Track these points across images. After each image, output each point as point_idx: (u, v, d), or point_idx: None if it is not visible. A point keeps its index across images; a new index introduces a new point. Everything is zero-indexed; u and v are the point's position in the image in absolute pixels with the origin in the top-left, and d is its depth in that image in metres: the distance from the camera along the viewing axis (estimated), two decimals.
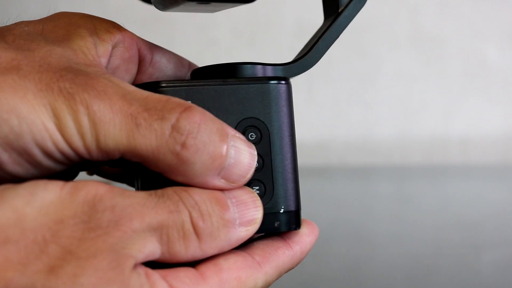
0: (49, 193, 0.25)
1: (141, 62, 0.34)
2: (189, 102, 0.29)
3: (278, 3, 0.98)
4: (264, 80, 0.31)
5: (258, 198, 0.30)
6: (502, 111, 1.01)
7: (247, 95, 0.31)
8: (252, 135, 0.31)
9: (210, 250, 0.28)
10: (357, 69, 1.00)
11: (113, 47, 0.32)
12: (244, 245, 0.30)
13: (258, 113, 0.31)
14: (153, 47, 0.35)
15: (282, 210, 0.31)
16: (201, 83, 0.31)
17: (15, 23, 0.31)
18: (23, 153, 0.27)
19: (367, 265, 0.63)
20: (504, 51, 1.01)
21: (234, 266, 0.28)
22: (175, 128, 0.27)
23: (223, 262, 0.28)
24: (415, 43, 1.01)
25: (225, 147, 0.28)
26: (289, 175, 0.31)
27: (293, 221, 0.31)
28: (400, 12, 1.00)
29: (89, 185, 0.26)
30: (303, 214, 0.32)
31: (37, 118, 0.26)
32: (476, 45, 1.01)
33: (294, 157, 0.32)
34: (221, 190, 0.29)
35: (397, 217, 0.80)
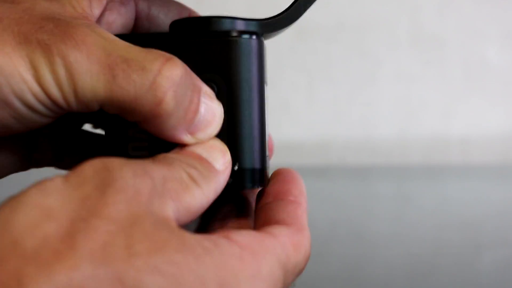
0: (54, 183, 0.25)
1: (137, 16, 0.34)
2: (170, 54, 0.28)
3: (278, 3, 0.98)
4: (231, 35, 0.31)
5: (222, 144, 0.30)
6: (502, 111, 1.01)
7: (213, 50, 0.30)
8: (216, 90, 0.31)
9: (211, 194, 0.28)
10: (357, 69, 1.00)
11: (109, 1, 0.32)
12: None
13: (221, 68, 0.30)
14: (153, 1, 0.34)
15: (240, 167, 0.30)
16: (165, 36, 0.31)
17: None
18: (3, 106, 0.27)
19: (367, 265, 0.63)
20: (504, 51, 1.01)
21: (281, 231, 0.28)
22: (156, 79, 0.27)
23: (273, 230, 0.28)
24: (415, 43, 1.00)
25: (198, 103, 0.29)
26: (252, 133, 0.31)
27: (257, 179, 0.31)
28: (400, 12, 1.00)
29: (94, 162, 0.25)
30: None
31: (14, 70, 0.27)
32: (476, 45, 1.01)
33: (260, 116, 0.31)
34: (185, 144, 0.29)
35: (397, 217, 0.80)
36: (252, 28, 0.32)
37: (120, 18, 0.33)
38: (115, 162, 0.25)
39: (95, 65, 0.27)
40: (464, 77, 1.01)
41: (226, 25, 0.31)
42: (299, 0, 0.33)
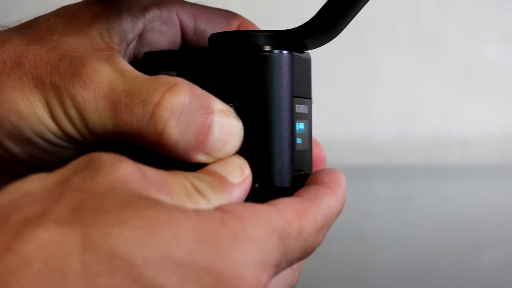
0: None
1: (183, 31, 0.34)
2: (178, 78, 0.28)
3: (278, 3, 0.98)
4: (263, 50, 0.30)
5: (241, 159, 0.29)
6: (502, 111, 1.01)
7: (240, 65, 0.30)
8: (236, 106, 0.30)
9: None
10: (357, 69, 1.00)
11: (147, 23, 0.32)
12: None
13: (250, 83, 0.30)
14: (197, 14, 0.34)
15: (261, 185, 0.30)
16: (190, 52, 0.31)
17: (51, 12, 0.32)
18: (30, 144, 0.29)
19: (367, 265, 0.63)
20: (504, 51, 1.01)
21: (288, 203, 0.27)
22: (155, 111, 0.28)
23: (275, 201, 0.27)
24: (415, 43, 1.01)
25: (209, 125, 0.29)
26: (277, 150, 0.30)
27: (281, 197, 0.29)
28: (400, 12, 1.00)
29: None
30: None
31: (33, 113, 0.29)
32: (476, 45, 1.01)
33: (287, 133, 0.30)
34: (204, 163, 0.29)
35: (397, 217, 0.80)
36: (288, 41, 0.31)
37: (163, 37, 0.33)
38: (99, 152, 0.25)
39: (101, 102, 0.28)
40: (464, 77, 1.01)
41: (261, 40, 0.31)
42: (326, 4, 0.30)
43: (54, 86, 0.29)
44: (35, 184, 0.24)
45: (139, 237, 0.22)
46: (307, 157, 0.32)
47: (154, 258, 0.22)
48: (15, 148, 0.30)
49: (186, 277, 0.22)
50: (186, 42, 0.34)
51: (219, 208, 0.25)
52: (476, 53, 1.01)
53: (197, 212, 0.24)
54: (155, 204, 0.23)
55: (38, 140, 0.29)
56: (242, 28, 0.34)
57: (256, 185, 0.30)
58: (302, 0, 0.97)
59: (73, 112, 0.29)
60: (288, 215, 0.26)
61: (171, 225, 0.23)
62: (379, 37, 1.00)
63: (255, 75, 0.30)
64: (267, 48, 0.30)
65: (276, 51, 0.30)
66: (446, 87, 1.01)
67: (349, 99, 1.00)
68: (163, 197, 0.25)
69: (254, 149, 0.30)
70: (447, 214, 0.78)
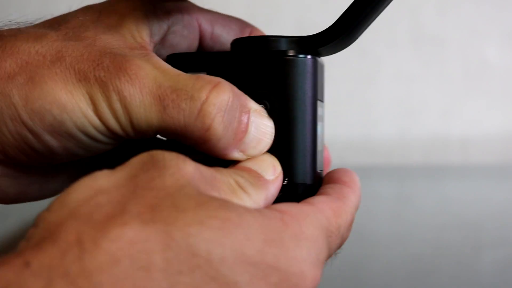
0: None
1: (201, 36, 0.36)
2: (218, 78, 0.30)
3: (278, 3, 0.98)
4: (287, 54, 0.32)
5: (272, 157, 0.31)
6: (502, 111, 1.01)
7: (269, 68, 0.32)
8: (266, 107, 0.32)
9: (261, 201, 0.29)
10: (357, 69, 1.00)
11: (171, 26, 0.34)
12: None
13: (276, 86, 0.31)
14: (214, 20, 0.36)
15: (290, 182, 0.32)
16: (221, 55, 0.32)
17: (76, 11, 0.33)
18: (69, 138, 0.30)
19: (367, 265, 0.63)
20: (504, 51, 1.01)
21: (323, 200, 0.30)
22: (203, 107, 0.29)
23: (311, 199, 0.29)
24: (415, 43, 1.01)
25: (247, 123, 0.30)
26: (303, 149, 0.32)
27: (306, 194, 0.31)
28: (400, 12, 1.00)
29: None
30: None
31: (76, 106, 0.29)
32: (476, 45, 1.01)
33: (311, 134, 0.32)
34: (238, 161, 0.31)
35: (397, 217, 0.80)
36: (307, 47, 0.33)
37: (183, 40, 0.35)
38: (159, 150, 0.26)
39: (147, 97, 0.29)
40: (464, 77, 1.01)
41: (283, 45, 0.32)
42: (349, 8, 0.32)
43: (99, 80, 0.29)
44: (106, 181, 0.24)
45: (216, 237, 0.23)
46: (321, 157, 0.34)
47: (230, 257, 0.23)
48: (53, 142, 0.30)
49: (256, 274, 0.24)
50: (202, 46, 0.36)
51: (275, 209, 0.27)
52: (476, 53, 1.01)
53: (260, 212, 0.26)
54: (226, 204, 0.25)
55: (78, 134, 0.30)
56: (254, 34, 0.36)
57: (285, 182, 0.31)
58: (302, 0, 0.97)
59: (118, 107, 0.29)
60: (328, 213, 0.29)
61: (242, 225, 0.24)
62: (379, 37, 1.00)
63: (281, 78, 0.31)
64: (292, 52, 0.32)
65: (301, 55, 0.32)
66: (446, 87, 1.01)
67: (349, 99, 1.00)
68: (215, 194, 0.26)
69: (281, 148, 0.32)
70: (447, 214, 0.78)
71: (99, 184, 0.24)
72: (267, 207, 0.28)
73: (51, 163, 0.32)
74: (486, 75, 1.01)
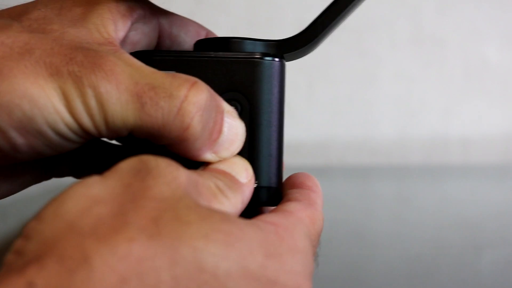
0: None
1: (160, 35, 0.35)
2: (193, 77, 0.29)
3: (278, 3, 0.98)
4: (255, 56, 0.32)
5: (244, 160, 0.31)
6: (502, 111, 1.01)
7: (237, 69, 0.31)
8: (237, 108, 0.32)
9: (238, 204, 0.29)
10: (357, 69, 1.00)
11: (134, 22, 0.33)
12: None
13: (245, 88, 0.31)
14: (173, 20, 0.35)
15: (258, 184, 0.31)
16: (191, 54, 0.32)
17: (35, 1, 0.32)
18: (37, 135, 0.28)
19: (367, 265, 0.63)
20: (504, 52, 1.01)
21: (297, 207, 0.30)
22: (183, 105, 0.28)
23: (287, 207, 0.29)
24: (415, 43, 1.01)
25: (221, 124, 0.30)
26: (271, 152, 0.32)
27: (273, 197, 0.32)
28: (400, 12, 1.00)
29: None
30: None
31: (48, 102, 0.28)
32: (476, 45, 1.01)
33: (278, 137, 0.32)
34: (210, 162, 0.30)
35: (397, 217, 0.80)
36: (274, 50, 0.33)
37: (144, 37, 0.34)
38: (149, 156, 0.26)
39: (124, 94, 0.28)
40: (464, 77, 1.01)
41: (250, 47, 0.32)
42: (317, 19, 0.33)
43: (73, 75, 0.28)
44: (99, 189, 0.24)
45: (221, 251, 0.23)
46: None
47: (235, 271, 0.23)
48: (18, 139, 0.28)
49: None
50: (160, 46, 0.35)
51: (265, 221, 0.27)
52: (476, 53, 1.01)
53: (257, 225, 0.26)
54: (227, 217, 0.25)
55: (48, 131, 0.28)
56: (209, 36, 0.36)
57: (255, 185, 0.31)
58: (302, 0, 0.97)
59: (93, 103, 0.28)
60: (306, 222, 0.29)
61: (244, 239, 0.24)
62: (379, 37, 1.00)
63: (250, 80, 0.31)
64: (258, 55, 0.32)
65: (268, 58, 0.32)
66: (446, 87, 1.01)
67: (349, 99, 1.00)
68: (199, 199, 0.26)
69: (249, 150, 0.31)
70: (447, 214, 0.78)
71: (94, 193, 0.23)
72: (257, 218, 0.27)
73: (11, 162, 0.30)
74: (486, 75, 1.01)
